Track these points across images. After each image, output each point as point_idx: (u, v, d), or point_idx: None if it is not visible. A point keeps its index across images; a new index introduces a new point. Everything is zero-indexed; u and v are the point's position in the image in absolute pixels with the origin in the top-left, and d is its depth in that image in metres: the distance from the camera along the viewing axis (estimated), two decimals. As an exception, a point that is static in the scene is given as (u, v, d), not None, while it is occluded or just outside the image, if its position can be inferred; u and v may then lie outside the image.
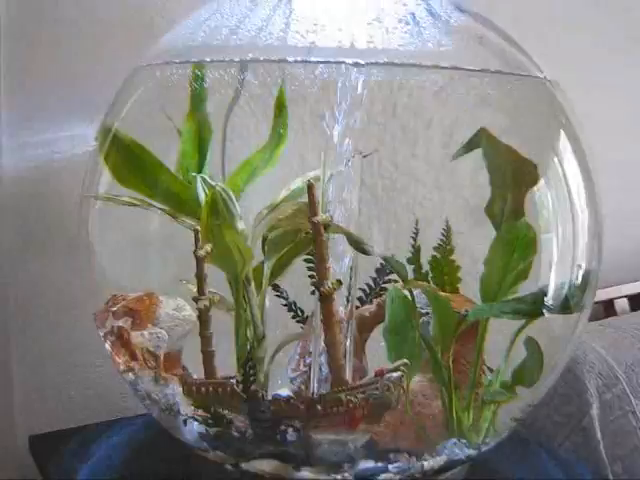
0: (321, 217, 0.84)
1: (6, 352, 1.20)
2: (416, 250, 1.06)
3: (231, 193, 0.94)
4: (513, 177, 0.95)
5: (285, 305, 1.03)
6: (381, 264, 1.08)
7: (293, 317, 1.03)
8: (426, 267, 1.05)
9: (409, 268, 1.00)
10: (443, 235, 1.05)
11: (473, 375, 0.95)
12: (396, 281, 1.05)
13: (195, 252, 0.86)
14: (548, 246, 0.95)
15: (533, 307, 0.92)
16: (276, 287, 1.01)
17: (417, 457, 0.92)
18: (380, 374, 0.84)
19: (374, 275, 1.05)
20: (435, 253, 1.05)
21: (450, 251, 1.05)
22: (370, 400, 0.83)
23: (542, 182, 0.94)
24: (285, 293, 1.03)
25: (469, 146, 0.96)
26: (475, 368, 0.95)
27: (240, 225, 0.94)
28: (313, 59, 0.83)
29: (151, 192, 0.95)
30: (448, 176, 1.07)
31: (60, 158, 1.17)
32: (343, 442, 0.85)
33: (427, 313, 1.01)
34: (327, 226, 0.86)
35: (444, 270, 1.06)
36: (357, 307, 1.00)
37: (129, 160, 0.94)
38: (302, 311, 1.02)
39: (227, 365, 0.93)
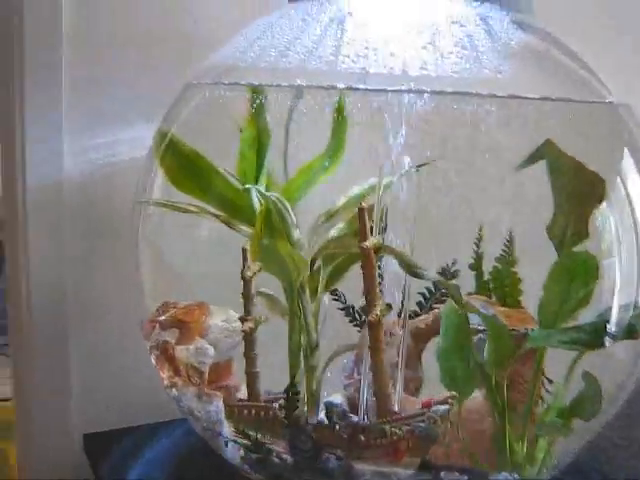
0: (371, 241, 0.82)
1: (64, 353, 1.20)
2: (478, 257, 1.01)
3: (286, 203, 0.93)
4: (579, 192, 0.91)
5: (342, 309, 1.00)
6: (438, 273, 1.07)
7: (350, 321, 1.00)
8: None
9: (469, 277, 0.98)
10: (506, 246, 1.02)
11: (529, 402, 0.91)
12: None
13: (242, 273, 0.85)
14: (611, 271, 0.91)
15: (593, 337, 0.88)
16: (334, 291, 0.99)
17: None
18: (427, 406, 0.82)
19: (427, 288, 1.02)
20: (497, 264, 1.01)
21: (512, 262, 1.00)
22: (415, 433, 0.81)
23: (605, 203, 0.90)
24: (343, 297, 1.00)
25: (534, 157, 0.91)
26: (531, 395, 0.91)
27: (296, 234, 0.93)
28: (361, 86, 0.81)
29: (205, 197, 0.94)
30: (506, 194, 1.03)
31: (120, 161, 1.18)
32: (386, 475, 0.82)
33: (484, 330, 0.98)
34: (379, 249, 0.84)
35: (505, 282, 1.02)
36: (413, 316, 0.98)
37: (184, 165, 0.94)
38: (360, 315, 0.99)
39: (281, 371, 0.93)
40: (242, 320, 0.88)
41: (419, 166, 0.89)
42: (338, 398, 0.93)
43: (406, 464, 0.83)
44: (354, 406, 0.89)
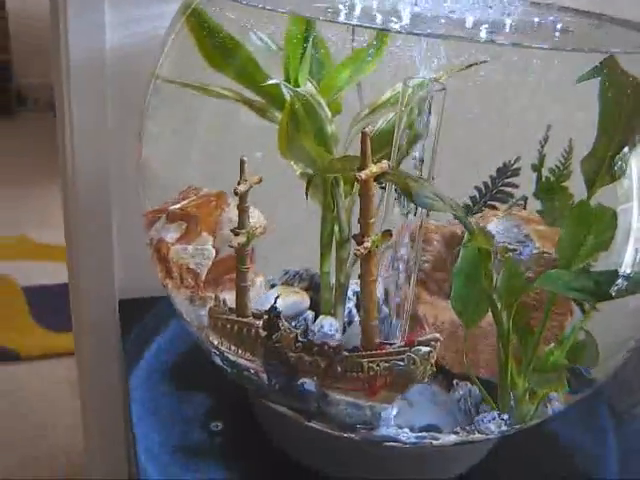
0: (370, 171, 0.78)
1: (107, 221, 1.25)
2: (541, 158, 0.99)
3: (318, 97, 0.92)
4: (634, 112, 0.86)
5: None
6: (504, 163, 1.05)
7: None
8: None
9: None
10: (563, 157, 0.98)
11: (537, 336, 0.90)
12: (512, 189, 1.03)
13: (235, 189, 0.83)
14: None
15: (601, 288, 0.84)
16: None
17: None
18: (410, 343, 0.81)
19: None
20: (549, 175, 0.98)
21: (566, 176, 0.97)
22: (393, 371, 0.80)
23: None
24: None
25: (594, 72, 0.86)
26: (539, 332, 0.89)
27: (330, 129, 0.93)
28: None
29: (239, 78, 0.93)
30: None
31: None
32: (360, 407, 0.82)
33: (515, 250, 0.96)
34: (382, 175, 0.80)
35: (555, 195, 0.99)
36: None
37: (219, 44, 0.93)
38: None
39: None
40: (235, 233, 0.85)
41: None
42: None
43: (382, 399, 0.82)
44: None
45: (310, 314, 1.05)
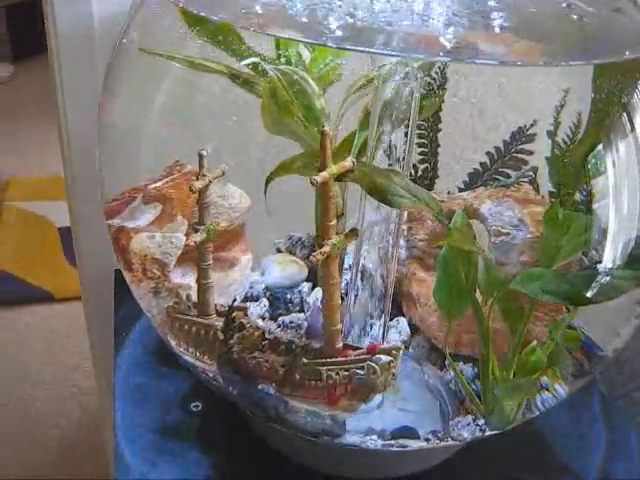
0: (328, 173, 0.74)
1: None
2: (557, 124, 0.94)
3: (303, 73, 0.90)
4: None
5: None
6: (519, 127, 1.04)
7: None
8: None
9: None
10: (571, 130, 0.93)
11: (519, 335, 0.86)
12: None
13: (191, 186, 0.79)
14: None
15: (577, 290, 0.80)
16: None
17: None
18: (372, 352, 0.77)
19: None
20: (556, 150, 0.93)
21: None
22: (353, 380, 0.77)
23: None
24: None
25: None
26: (521, 330, 0.86)
27: (319, 104, 0.91)
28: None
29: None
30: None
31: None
32: (321, 415, 0.80)
33: (507, 233, 0.92)
34: (347, 172, 0.76)
35: (561, 171, 0.94)
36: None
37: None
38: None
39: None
40: (194, 229, 0.82)
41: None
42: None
43: (344, 408, 0.79)
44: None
45: (306, 286, 1.04)
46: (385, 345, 0.78)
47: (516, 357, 0.86)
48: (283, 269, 1.06)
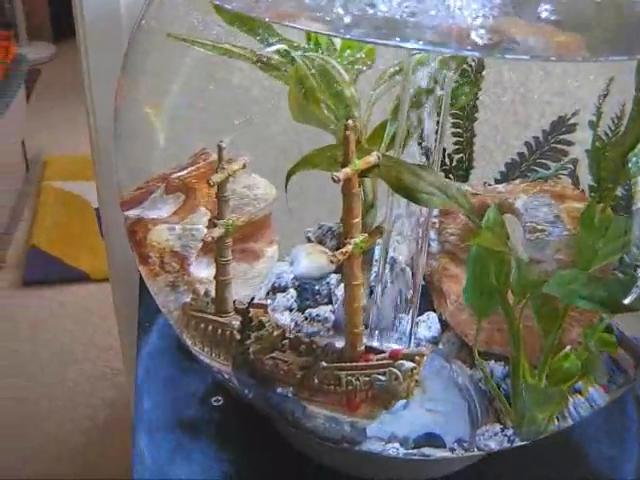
0: (350, 170, 0.70)
1: None
2: (599, 114, 0.89)
3: (332, 61, 0.87)
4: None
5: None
6: (560, 117, 1.01)
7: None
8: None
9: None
10: (613, 122, 0.90)
11: (553, 339, 0.82)
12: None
13: (209, 180, 0.76)
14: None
15: (614, 297, 0.76)
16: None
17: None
18: (394, 357, 0.74)
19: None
20: (597, 142, 0.88)
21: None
22: (374, 386, 0.74)
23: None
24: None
25: None
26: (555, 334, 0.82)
27: (349, 92, 0.87)
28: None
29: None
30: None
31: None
32: (340, 422, 0.76)
33: (543, 230, 0.89)
34: (372, 168, 0.73)
35: (602, 164, 0.90)
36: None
37: None
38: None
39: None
40: (213, 223, 0.79)
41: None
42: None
43: (364, 415, 0.76)
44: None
45: (335, 278, 1.01)
46: (408, 350, 0.74)
47: (549, 362, 0.81)
48: (312, 260, 1.04)
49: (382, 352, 0.76)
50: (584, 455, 0.94)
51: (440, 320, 0.97)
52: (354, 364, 0.75)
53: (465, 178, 1.10)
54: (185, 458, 0.89)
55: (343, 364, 0.75)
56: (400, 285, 0.88)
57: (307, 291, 1.01)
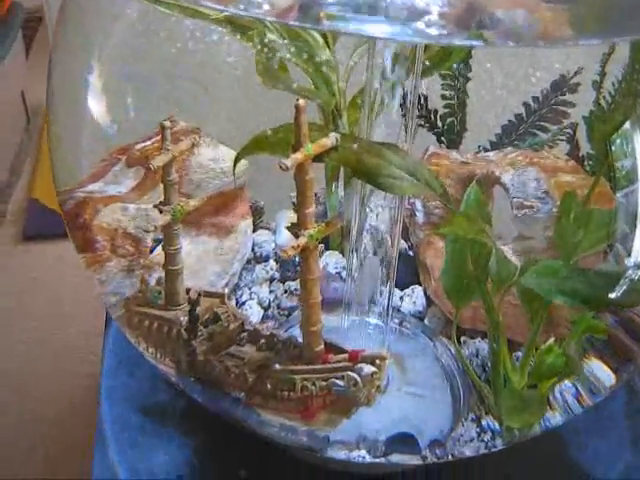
0: (305, 153, 0.63)
1: None
2: (602, 74, 0.87)
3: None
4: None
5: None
6: (561, 75, 0.94)
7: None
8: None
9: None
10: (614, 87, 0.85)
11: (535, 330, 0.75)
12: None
13: (149, 163, 0.69)
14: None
15: (598, 293, 0.69)
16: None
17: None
18: (353, 359, 0.67)
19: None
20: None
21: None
22: (331, 391, 0.67)
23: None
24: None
25: None
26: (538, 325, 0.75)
27: (324, 55, 0.84)
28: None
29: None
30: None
31: None
32: (296, 431, 0.70)
33: (531, 207, 0.83)
34: (331, 150, 0.65)
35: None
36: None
37: None
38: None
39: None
40: (159, 210, 0.72)
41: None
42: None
43: (323, 423, 0.70)
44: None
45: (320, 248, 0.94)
46: (368, 352, 0.67)
47: (532, 354, 0.75)
48: None
49: (343, 351, 0.69)
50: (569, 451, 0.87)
51: (425, 294, 0.94)
52: (310, 367, 0.68)
53: (457, 143, 1.03)
54: (148, 443, 0.84)
55: (297, 367, 0.68)
56: (381, 255, 0.82)
57: (288, 262, 0.97)
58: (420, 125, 1.03)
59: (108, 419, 0.87)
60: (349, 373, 0.66)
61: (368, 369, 0.66)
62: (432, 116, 1.01)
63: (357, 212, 0.80)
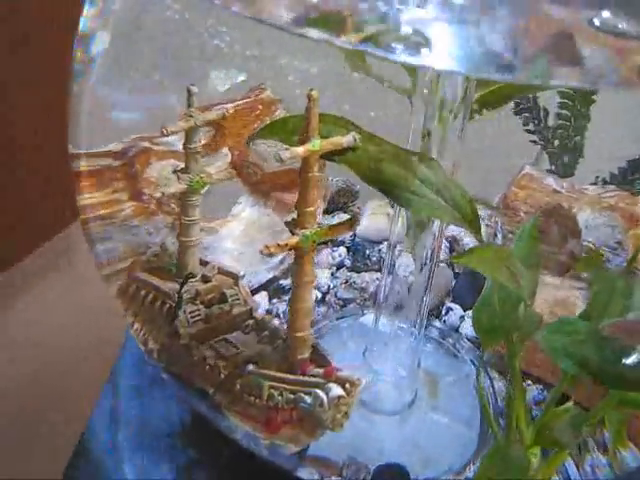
0: (310, 147, 0.58)
1: None
2: None
3: None
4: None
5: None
6: None
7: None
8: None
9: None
10: None
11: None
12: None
13: (163, 129, 0.65)
14: None
15: (606, 365, 0.60)
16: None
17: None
18: (327, 376, 0.62)
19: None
20: None
21: None
22: (298, 407, 0.63)
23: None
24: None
25: None
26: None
27: None
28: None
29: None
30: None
31: None
32: (258, 442, 0.65)
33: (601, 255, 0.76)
34: (345, 151, 0.60)
35: None
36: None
37: None
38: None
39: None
40: (177, 176, 0.68)
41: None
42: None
43: (287, 439, 0.64)
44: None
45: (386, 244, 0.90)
46: (344, 374, 0.61)
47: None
48: (372, 221, 0.99)
49: (327, 365, 0.64)
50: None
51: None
52: (280, 375, 0.63)
53: (570, 169, 0.94)
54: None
55: (269, 372, 0.64)
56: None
57: (359, 252, 0.96)
58: (533, 142, 0.94)
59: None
60: (317, 391, 0.61)
61: (335, 391, 0.61)
62: (548, 133, 0.92)
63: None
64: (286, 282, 0.92)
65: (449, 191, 0.61)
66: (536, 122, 0.94)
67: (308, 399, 0.62)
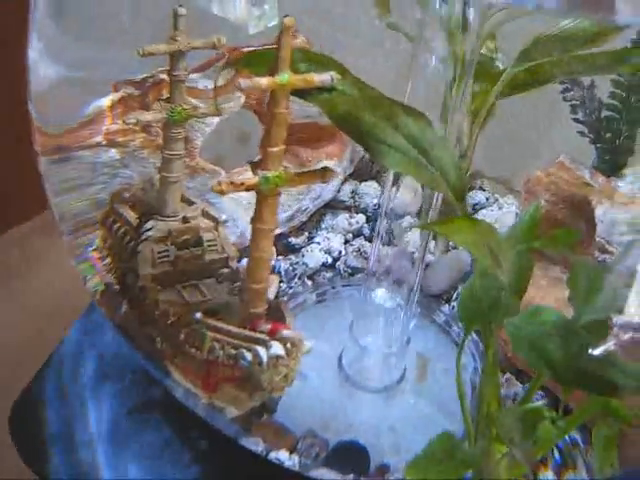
0: (280, 79, 0.53)
1: None
2: None
3: None
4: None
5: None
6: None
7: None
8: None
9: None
10: None
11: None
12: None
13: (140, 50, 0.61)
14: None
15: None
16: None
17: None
18: (272, 333, 0.57)
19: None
20: None
21: None
22: (238, 364, 0.58)
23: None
24: None
25: None
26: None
27: None
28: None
29: None
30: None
31: None
32: (197, 401, 0.61)
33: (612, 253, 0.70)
34: (321, 90, 0.55)
35: None
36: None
37: None
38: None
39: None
40: (159, 105, 0.64)
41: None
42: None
43: (227, 399, 0.60)
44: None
45: (408, 222, 0.85)
46: (288, 333, 0.56)
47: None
48: (400, 193, 0.91)
49: (282, 325, 0.59)
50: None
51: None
52: (224, 326, 0.58)
53: (617, 165, 0.88)
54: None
55: (212, 322, 0.59)
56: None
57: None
58: (581, 132, 0.87)
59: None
60: (257, 348, 0.56)
61: (275, 350, 0.56)
62: (600, 125, 0.85)
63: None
64: (296, 240, 0.89)
65: (436, 151, 0.55)
66: (587, 112, 0.86)
67: (248, 356, 0.57)
